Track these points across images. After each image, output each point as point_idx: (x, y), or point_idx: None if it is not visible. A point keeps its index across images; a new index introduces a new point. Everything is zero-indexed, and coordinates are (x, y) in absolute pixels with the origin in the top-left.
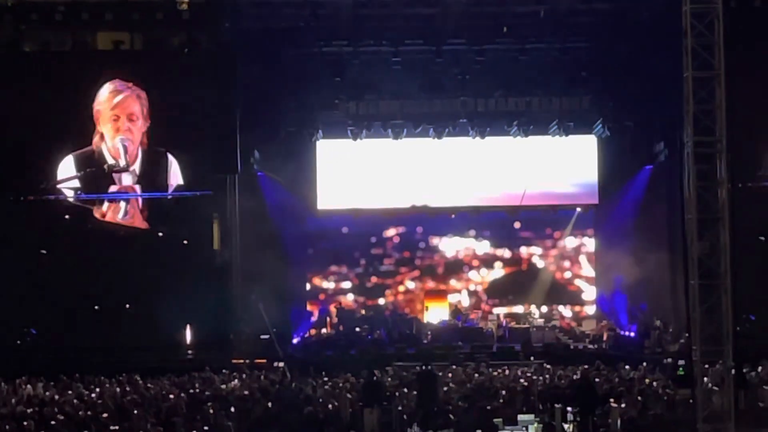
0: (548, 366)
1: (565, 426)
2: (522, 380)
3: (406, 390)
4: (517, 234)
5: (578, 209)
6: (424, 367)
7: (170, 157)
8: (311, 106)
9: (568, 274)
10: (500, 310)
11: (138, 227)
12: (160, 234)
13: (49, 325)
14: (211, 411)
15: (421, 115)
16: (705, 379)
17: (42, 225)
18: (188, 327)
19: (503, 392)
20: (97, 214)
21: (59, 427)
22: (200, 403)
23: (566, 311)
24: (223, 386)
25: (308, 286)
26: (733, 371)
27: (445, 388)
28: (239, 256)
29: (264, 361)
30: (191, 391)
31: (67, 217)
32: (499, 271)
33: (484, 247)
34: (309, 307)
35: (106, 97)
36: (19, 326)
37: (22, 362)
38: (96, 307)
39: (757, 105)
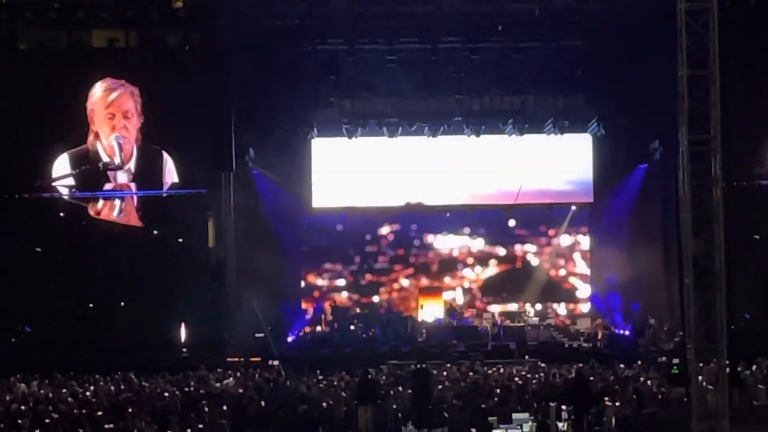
0: (543, 364)
1: (560, 424)
2: (517, 379)
3: (400, 388)
4: (512, 232)
5: (573, 207)
6: (418, 366)
7: (165, 155)
8: (306, 104)
9: (562, 272)
10: (495, 308)
11: (133, 225)
12: (155, 232)
13: (44, 322)
14: (206, 409)
15: (416, 113)
16: (699, 377)
17: (37, 223)
18: (183, 325)
19: (498, 391)
20: (92, 212)
21: (54, 425)
22: (195, 402)
23: (561, 309)
24: (218, 384)
25: (303, 284)
26: (727, 370)
27: (440, 387)
28: (234, 254)
29: (259, 359)
30: (186, 389)
31: (62, 215)
32: (493, 269)
33: (478, 244)
34: (304, 305)
35: (100, 95)
36: (13, 324)
37: (16, 360)
38: (90, 305)
39: (752, 103)
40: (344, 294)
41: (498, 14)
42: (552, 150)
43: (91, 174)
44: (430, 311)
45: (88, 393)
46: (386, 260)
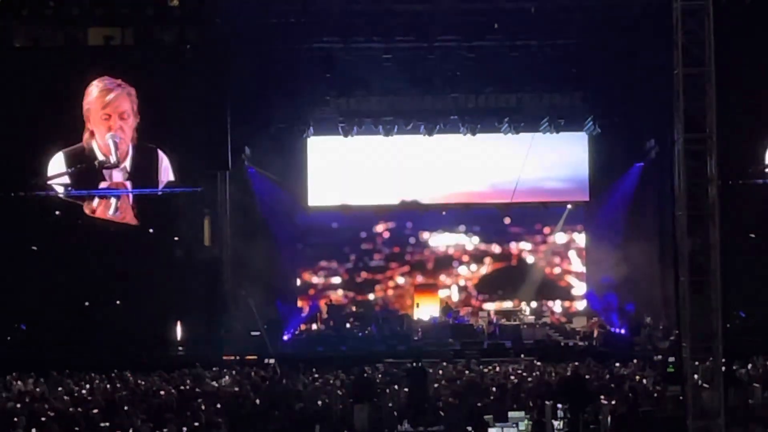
0: (539, 363)
1: (556, 423)
2: (512, 377)
3: (396, 387)
4: (507, 229)
5: (569, 206)
6: (414, 364)
7: (161, 153)
8: (302, 102)
9: (557, 270)
10: (490, 306)
11: (128, 223)
12: (151, 230)
13: (39, 321)
14: (202, 407)
15: (412, 111)
16: (695, 376)
17: (32, 221)
18: (179, 323)
19: (494, 389)
20: (87, 211)
21: (49, 423)
22: (191, 400)
23: (556, 307)
24: (214, 383)
25: (298, 282)
26: (723, 368)
27: (436, 385)
28: (230, 252)
29: (254, 357)
30: (182, 387)
31: (57, 213)
32: (488, 267)
33: (473, 242)
34: (299, 303)
35: (96, 95)
36: (9, 322)
37: (12, 358)
38: (86, 304)
39: (748, 102)
40: (339, 292)
41: (494, 13)
42: (548, 149)
43: (87, 173)
44: (426, 310)
45: (83, 391)
46: (382, 258)
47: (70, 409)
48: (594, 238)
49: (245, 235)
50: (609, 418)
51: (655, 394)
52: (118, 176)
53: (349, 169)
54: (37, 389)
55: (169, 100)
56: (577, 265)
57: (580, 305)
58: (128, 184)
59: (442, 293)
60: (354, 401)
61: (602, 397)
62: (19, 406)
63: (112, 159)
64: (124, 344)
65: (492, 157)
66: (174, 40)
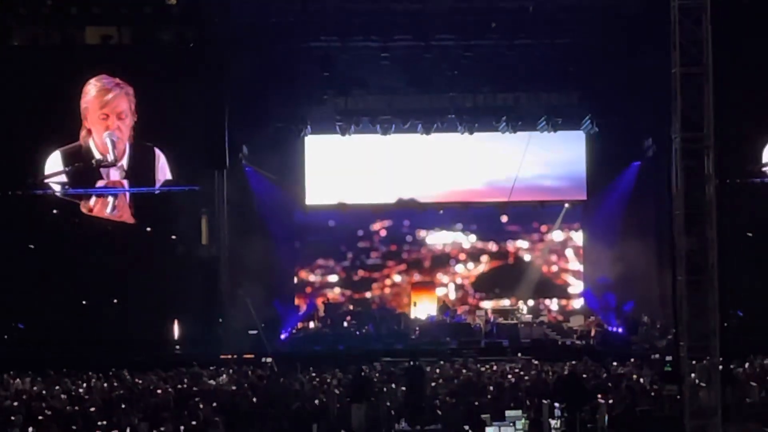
0: (536, 362)
1: (553, 422)
2: (510, 376)
3: (393, 386)
4: (504, 228)
5: (566, 205)
6: (411, 363)
7: (158, 151)
8: (300, 101)
9: (554, 268)
10: (487, 304)
11: (126, 222)
12: (148, 229)
13: (37, 319)
14: (200, 406)
15: (410, 110)
16: (692, 374)
17: (29, 220)
18: (176, 322)
19: (491, 388)
20: (84, 209)
21: (46, 422)
22: (188, 398)
23: (553, 305)
24: (211, 381)
25: (295, 280)
26: (720, 367)
27: (433, 384)
28: (227, 251)
29: (252, 356)
30: (179, 386)
31: (55, 212)
32: (485, 265)
33: (470, 240)
34: (296, 301)
35: (95, 95)
36: (6, 321)
37: (9, 356)
38: (83, 302)
39: (745, 101)
40: (336, 290)
41: (491, 12)
42: (545, 147)
43: (84, 171)
44: (423, 308)
45: (81, 390)
46: (379, 256)
47: (68, 408)
48: (591, 236)
49: (242, 233)
50: (606, 417)
51: (653, 393)
52: (115, 175)
53: (346, 167)
54: (35, 388)
55: (167, 99)
56: (574, 263)
57: (577, 303)
58: (125, 182)
59: (439, 291)
60: (351, 400)
61: (599, 396)
62: (16, 404)
63: (110, 157)
64: (122, 343)
65: (489, 156)
66: (172, 40)
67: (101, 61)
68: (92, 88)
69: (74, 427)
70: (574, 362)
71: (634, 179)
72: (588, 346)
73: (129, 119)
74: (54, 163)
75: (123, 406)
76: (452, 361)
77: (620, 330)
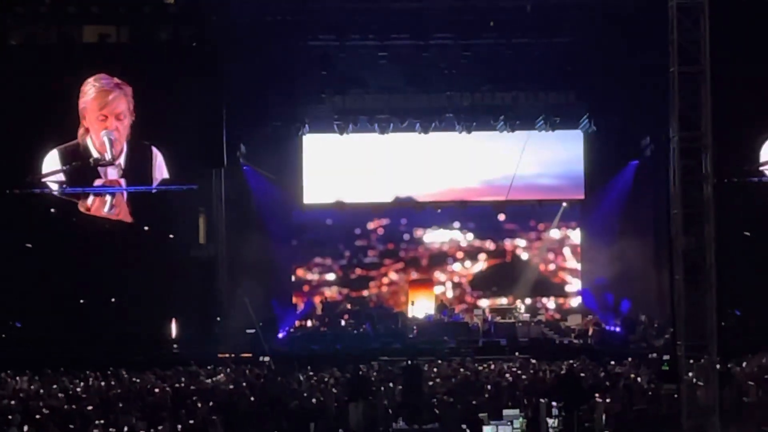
0: (534, 361)
1: (550, 421)
2: (507, 375)
3: (391, 385)
4: (502, 226)
5: (564, 204)
6: (409, 362)
7: (155, 150)
8: (297, 100)
9: (552, 267)
10: (484, 302)
11: (123, 221)
12: (146, 228)
13: (34, 318)
14: (197, 405)
15: (408, 109)
16: (690, 374)
17: (27, 219)
18: (173, 321)
19: (488, 387)
20: (82, 208)
21: (44, 421)
22: (185, 397)
23: (551, 303)
24: (209, 380)
25: (293, 278)
26: (718, 366)
27: (431, 383)
28: (225, 250)
29: (250, 355)
30: (176, 385)
31: (52, 210)
32: (483, 263)
33: (468, 238)
34: (294, 300)
35: (94, 96)
36: (3, 319)
37: (6, 355)
38: (81, 301)
39: (743, 100)
40: (334, 288)
41: (489, 11)
42: (543, 146)
43: (82, 170)
44: (421, 306)
45: (78, 389)
46: (376, 254)
47: (65, 407)
48: (589, 235)
49: (240, 232)
50: (604, 416)
51: (650, 392)
52: (113, 173)
53: (344, 166)
54: (32, 387)
55: (165, 98)
56: (571, 262)
57: (575, 302)
58: (122, 181)
59: (437, 289)
60: (349, 399)
61: (597, 395)
62: (13, 403)
63: (107, 156)
64: (119, 342)
65: (487, 155)
66: (169, 38)
67: (99, 59)
68: (91, 88)
69: (72, 426)
70: (571, 361)
71: (632, 178)
72: (586, 345)
73: (127, 120)
74: (51, 161)
75: (120, 405)
76: (450, 360)
77: (618, 329)
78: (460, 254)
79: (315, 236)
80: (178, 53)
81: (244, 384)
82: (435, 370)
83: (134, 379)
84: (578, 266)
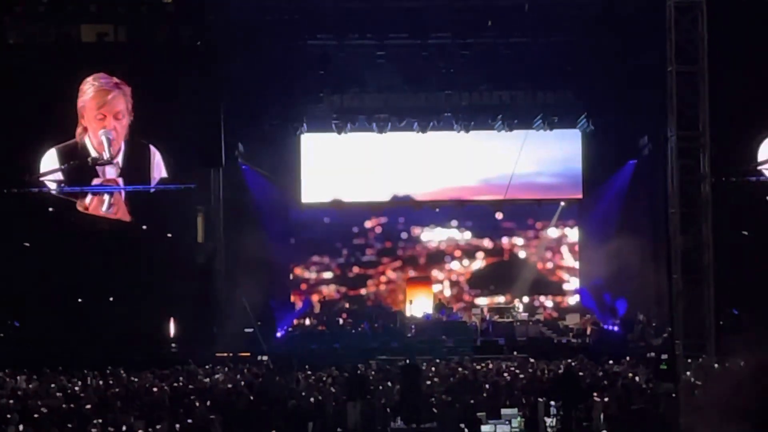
0: (532, 360)
1: (548, 420)
2: (505, 374)
3: (389, 384)
4: (499, 224)
5: (562, 203)
6: (407, 361)
7: (152, 148)
8: (296, 99)
9: (549, 265)
10: (482, 301)
11: (122, 220)
12: (144, 227)
13: (33, 317)
14: (195, 404)
15: (406, 108)
16: (688, 373)
17: (25, 218)
18: (172, 320)
19: (487, 386)
20: (80, 207)
21: (42, 420)
22: (184, 397)
23: (548, 302)
24: (207, 380)
25: (291, 277)
26: (715, 365)
27: (429, 382)
28: (223, 249)
29: (248, 354)
30: (175, 384)
31: (50, 210)
32: (480, 262)
33: (465, 237)
34: (292, 299)
35: (93, 95)
36: (1, 318)
37: (5, 355)
38: (79, 300)
39: (740, 99)
40: (332, 287)
41: (487, 10)
42: (541, 145)
43: (80, 169)
44: (419, 304)
45: (76, 388)
46: (374, 253)
47: (64, 406)
48: (587, 234)
49: (238, 231)
50: (602, 416)
51: (648, 392)
52: (111, 172)
53: (342, 166)
54: (31, 386)
55: (163, 97)
56: (569, 260)
57: (572, 300)
58: (120, 180)
59: (435, 287)
60: (347, 398)
61: (595, 394)
62: (12, 402)
63: (106, 155)
64: (117, 341)
65: (486, 154)
66: (167, 38)
67: (97, 59)
68: (90, 87)
69: (70, 426)
70: (569, 361)
71: (630, 177)
72: (584, 344)
73: (126, 119)
74: (50, 160)
75: (119, 404)
76: (448, 359)
77: (616, 328)
78: (457, 253)
79: (313, 235)
80: (177, 53)
81: (243, 383)
82: (433, 369)
83: (132, 378)
84: (576, 265)
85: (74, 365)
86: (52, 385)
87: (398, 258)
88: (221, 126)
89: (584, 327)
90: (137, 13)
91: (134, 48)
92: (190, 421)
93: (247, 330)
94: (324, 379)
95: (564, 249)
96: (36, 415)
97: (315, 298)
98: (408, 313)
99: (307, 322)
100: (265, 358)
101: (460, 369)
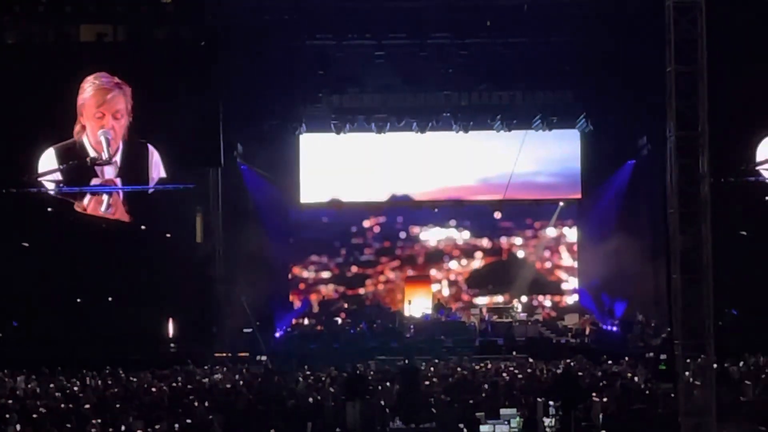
0: (531, 360)
1: (547, 420)
2: (504, 374)
3: (388, 384)
4: (498, 224)
5: (561, 203)
6: (406, 361)
7: (151, 148)
8: (295, 99)
9: (548, 265)
10: (481, 300)
11: (120, 220)
12: (143, 227)
13: (31, 318)
14: (194, 404)
15: (405, 109)
16: (687, 373)
17: (24, 218)
18: (171, 320)
19: (485, 386)
20: (78, 208)
21: (41, 420)
22: (183, 397)
23: (547, 301)
24: (206, 380)
25: (289, 276)
26: (715, 366)
27: (428, 382)
28: (222, 248)
29: (247, 354)
30: (174, 384)
31: (49, 209)
32: (479, 261)
33: (464, 236)
34: (291, 298)
35: (92, 94)
36: (0, 319)
37: (4, 355)
38: (78, 300)
39: (740, 99)
40: (330, 286)
41: (486, 10)
42: (540, 146)
43: (78, 169)
44: (418, 303)
45: (75, 388)
46: (372, 252)
47: (62, 406)
48: (586, 234)
49: (237, 231)
50: (601, 416)
51: (647, 392)
52: (109, 172)
53: (341, 166)
54: (30, 386)
55: (162, 97)
56: (568, 260)
57: (571, 300)
58: (119, 180)
59: (434, 287)
60: (346, 398)
61: (594, 394)
62: (11, 402)
63: (104, 155)
64: (116, 341)
65: (484, 154)
66: (167, 37)
67: (96, 59)
68: (90, 86)
69: (69, 426)
70: (568, 361)
71: (629, 177)
72: (583, 344)
73: (125, 119)
74: (48, 160)
75: (118, 404)
76: (447, 359)
77: (615, 328)
78: (456, 252)
79: (311, 235)
80: (176, 52)
81: (242, 383)
82: (432, 369)
83: (131, 378)
84: (575, 265)
85: (73, 365)
86: (51, 385)
87: (397, 258)
88: (220, 125)
89: (583, 327)
90: (136, 13)
91: (133, 48)
92: (189, 421)
93: (246, 330)
94: (323, 379)
95: (563, 249)
96: (35, 415)
97: (314, 297)
98: (407, 313)
99: (306, 321)
100: (264, 357)
101: (458, 369)
